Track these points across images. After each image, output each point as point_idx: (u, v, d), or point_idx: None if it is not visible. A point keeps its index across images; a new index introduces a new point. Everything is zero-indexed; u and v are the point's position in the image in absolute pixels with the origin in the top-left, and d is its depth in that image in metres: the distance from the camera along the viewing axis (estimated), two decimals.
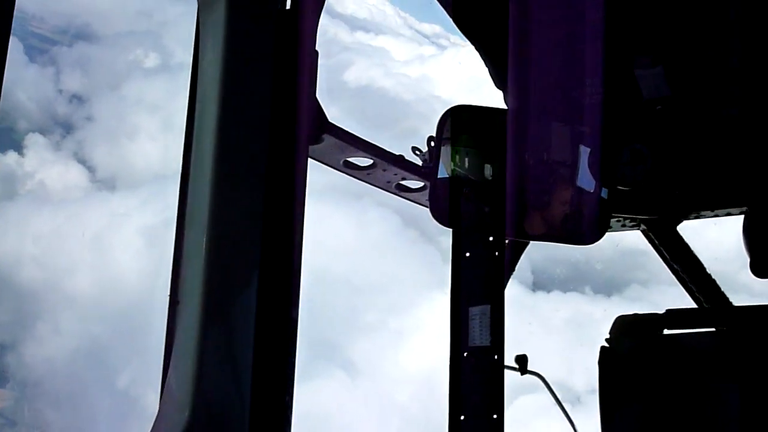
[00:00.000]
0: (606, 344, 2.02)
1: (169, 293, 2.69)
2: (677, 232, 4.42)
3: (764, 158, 3.73)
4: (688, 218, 4.37)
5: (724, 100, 3.96)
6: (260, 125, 2.82)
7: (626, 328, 2.05)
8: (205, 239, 2.65)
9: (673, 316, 1.99)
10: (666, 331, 2.12)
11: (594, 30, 3.65)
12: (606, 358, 2.01)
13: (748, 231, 2.54)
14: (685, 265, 4.43)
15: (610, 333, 2.06)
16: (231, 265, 2.70)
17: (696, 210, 4.33)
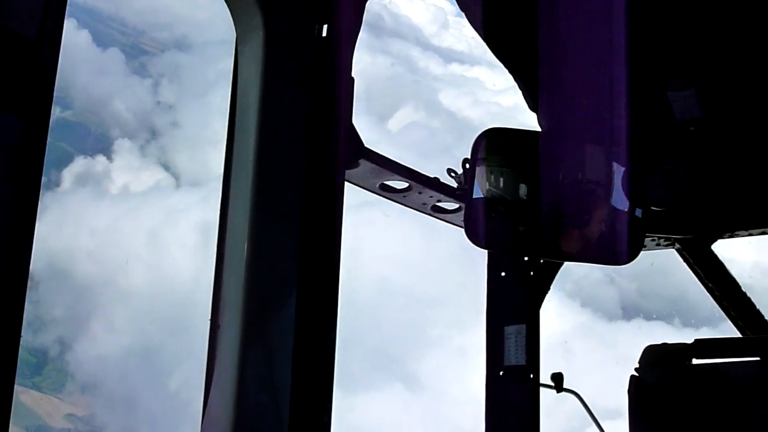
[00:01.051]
0: (636, 373, 2.04)
1: (210, 317, 2.74)
2: (712, 250, 4.43)
3: None
4: (722, 237, 4.38)
5: (756, 121, 3.97)
6: (298, 151, 2.87)
7: (655, 358, 2.08)
8: (244, 263, 2.71)
9: (701, 346, 2.01)
10: (701, 361, 2.15)
11: (619, 52, 3.68)
12: (635, 386, 2.04)
13: None
14: (719, 283, 4.43)
15: (639, 362, 2.08)
16: (269, 288, 2.75)
17: (730, 229, 4.34)
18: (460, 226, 3.77)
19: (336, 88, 2.99)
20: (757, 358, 2.12)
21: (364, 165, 3.24)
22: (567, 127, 3.99)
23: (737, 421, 1.97)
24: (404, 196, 3.66)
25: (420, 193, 3.67)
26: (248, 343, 2.65)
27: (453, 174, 3.75)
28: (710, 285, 4.42)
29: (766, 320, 4.32)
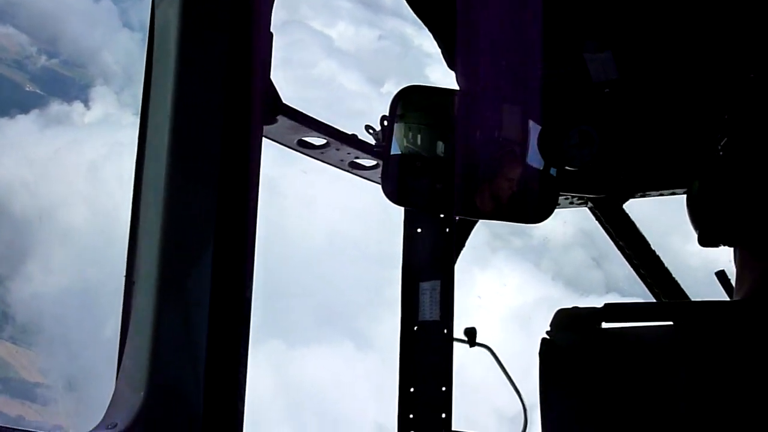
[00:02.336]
0: (547, 336, 2.09)
1: (125, 273, 2.72)
2: (623, 210, 4.53)
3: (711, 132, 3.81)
4: (634, 197, 4.49)
5: (668, 85, 4.05)
6: (215, 105, 2.85)
7: (566, 321, 2.12)
8: (160, 219, 2.69)
9: (612, 310, 2.05)
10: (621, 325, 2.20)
11: (536, 12, 3.71)
12: (546, 349, 2.08)
13: (696, 204, 2.62)
14: (630, 241, 4.55)
15: (550, 325, 2.13)
16: (185, 245, 2.74)
17: (642, 190, 4.45)
18: (378, 183, 3.78)
19: (254, 43, 2.96)
20: (670, 323, 2.18)
21: (283, 121, 3.23)
22: (483, 85, 4.02)
23: (646, 384, 2.03)
24: (322, 153, 3.67)
25: (338, 149, 3.68)
26: (164, 300, 2.63)
27: (371, 131, 3.76)
28: (621, 243, 4.54)
29: (676, 281, 4.46)
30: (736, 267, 2.58)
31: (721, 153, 2.59)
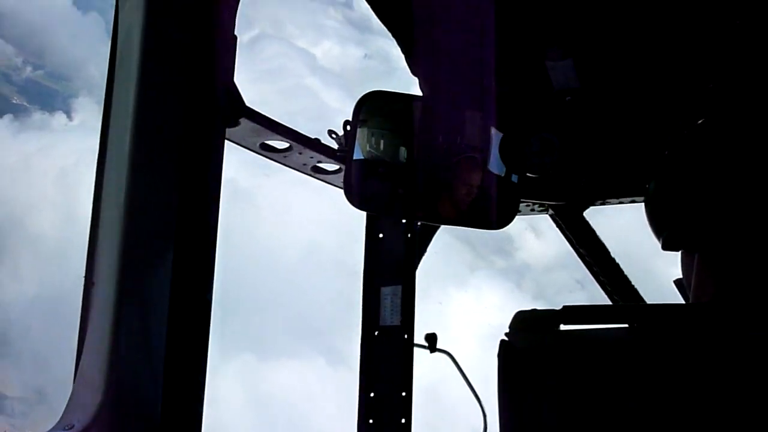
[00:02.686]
0: (505, 338, 2.10)
1: (84, 274, 2.71)
2: (583, 217, 4.57)
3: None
4: (594, 204, 4.53)
5: (628, 94, 4.09)
6: (176, 107, 2.84)
7: (524, 323, 2.14)
8: (120, 220, 2.68)
9: (570, 312, 2.07)
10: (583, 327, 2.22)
11: (497, 19, 3.73)
12: (504, 351, 2.10)
13: (657, 209, 2.63)
14: (590, 249, 4.59)
15: (509, 327, 2.14)
16: (146, 246, 2.73)
17: (601, 197, 4.49)
18: (341, 188, 3.79)
19: (217, 45, 2.97)
20: (625, 325, 2.19)
21: (245, 124, 3.23)
22: (445, 91, 4.04)
23: (602, 385, 2.05)
24: (285, 156, 3.67)
25: (300, 153, 3.68)
26: (123, 302, 2.62)
27: (334, 135, 3.76)
28: (581, 251, 4.58)
29: (634, 287, 4.50)
30: (692, 272, 2.59)
31: (667, 153, 2.61)
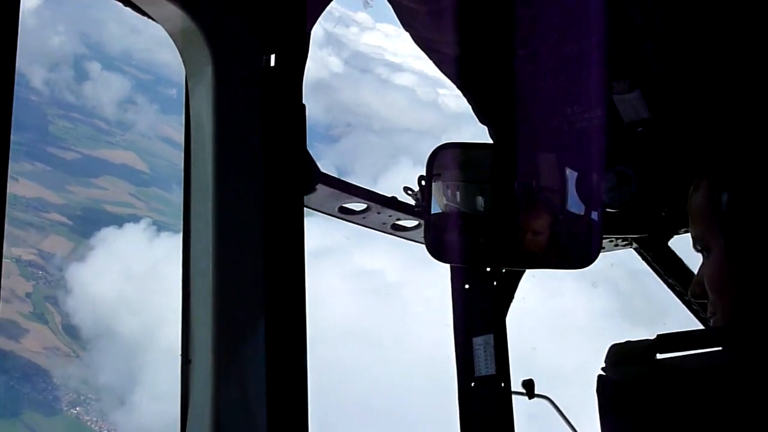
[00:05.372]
0: (602, 373, 2.07)
1: (180, 353, 2.75)
2: (669, 247, 4.50)
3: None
4: (678, 233, 4.45)
5: (700, 120, 4.04)
6: (255, 182, 2.89)
7: (620, 356, 2.11)
8: (210, 297, 2.72)
9: (666, 341, 2.03)
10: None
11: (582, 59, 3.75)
12: (602, 386, 2.06)
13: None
14: (679, 278, 4.51)
15: (605, 362, 2.11)
16: (238, 320, 2.77)
17: (686, 225, 4.41)
18: (422, 243, 3.80)
19: (287, 116, 3.02)
20: (719, 348, 2.15)
21: (322, 189, 3.26)
22: (518, 137, 4.05)
23: (703, 411, 2.01)
24: (364, 218, 3.70)
25: (379, 213, 3.70)
26: (221, 376, 2.66)
27: (410, 192, 3.78)
28: (670, 281, 4.50)
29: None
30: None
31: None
